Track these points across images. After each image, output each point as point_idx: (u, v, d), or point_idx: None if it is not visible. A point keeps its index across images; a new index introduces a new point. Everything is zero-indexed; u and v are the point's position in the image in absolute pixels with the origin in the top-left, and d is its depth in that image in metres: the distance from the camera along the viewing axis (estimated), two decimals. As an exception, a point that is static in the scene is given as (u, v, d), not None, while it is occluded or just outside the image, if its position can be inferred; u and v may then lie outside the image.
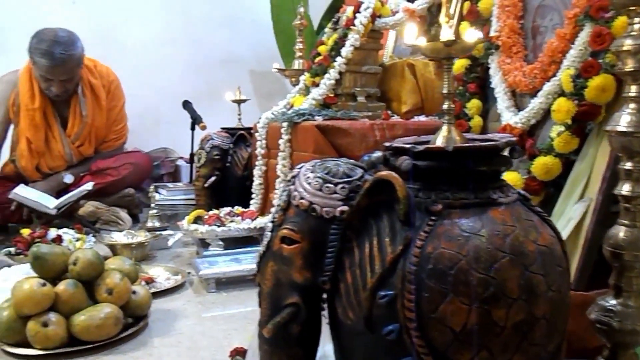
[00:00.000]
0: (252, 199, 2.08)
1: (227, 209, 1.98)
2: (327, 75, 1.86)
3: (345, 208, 0.70)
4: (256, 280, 0.79)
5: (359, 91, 1.90)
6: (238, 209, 1.98)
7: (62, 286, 1.21)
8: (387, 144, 0.77)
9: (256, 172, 2.06)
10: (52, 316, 1.18)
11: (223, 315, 1.43)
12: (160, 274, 1.68)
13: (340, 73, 1.87)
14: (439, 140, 0.76)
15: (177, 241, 2.07)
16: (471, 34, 0.77)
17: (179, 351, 1.21)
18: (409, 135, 1.71)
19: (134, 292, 1.31)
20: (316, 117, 1.73)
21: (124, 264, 1.38)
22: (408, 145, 0.72)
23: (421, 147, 0.71)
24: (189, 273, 1.72)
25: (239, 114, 2.50)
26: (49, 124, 2.42)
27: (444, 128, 0.76)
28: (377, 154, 0.75)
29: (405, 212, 0.66)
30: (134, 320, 1.31)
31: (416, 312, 0.64)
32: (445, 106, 0.76)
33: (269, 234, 0.76)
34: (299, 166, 0.77)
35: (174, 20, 3.36)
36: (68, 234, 1.91)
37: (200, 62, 3.39)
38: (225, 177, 2.30)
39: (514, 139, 0.78)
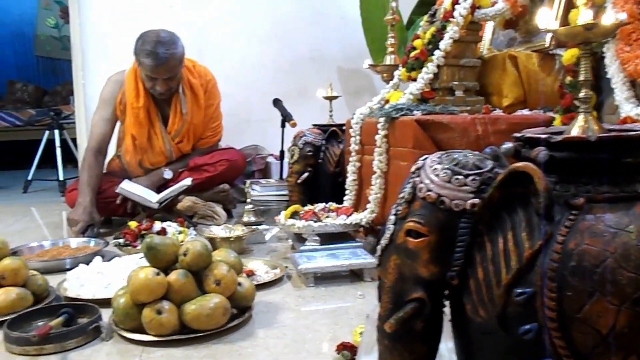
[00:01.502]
0: (345, 195, 2.08)
1: (322, 205, 1.99)
2: (424, 69, 1.83)
3: (477, 201, 0.67)
4: (377, 273, 0.78)
5: (457, 85, 1.85)
6: (332, 204, 1.98)
7: (173, 276, 1.26)
8: (518, 135, 0.73)
9: (350, 168, 2.05)
10: (165, 304, 1.23)
11: (324, 310, 1.43)
12: (259, 267, 1.71)
13: (438, 67, 1.82)
14: (575, 131, 0.71)
15: (272, 236, 2.11)
16: (609, 17, 0.71)
17: (285, 343, 1.22)
18: (513, 130, 1.65)
19: (239, 284, 1.34)
20: (414, 112, 1.70)
21: (229, 256, 1.41)
22: (544, 136, 0.68)
23: (559, 137, 0.67)
24: (286, 267, 1.74)
25: (331, 111, 2.51)
26: (151, 121, 2.52)
27: (581, 117, 0.72)
28: (507, 145, 0.72)
29: (546, 206, 0.62)
30: (238, 311, 1.34)
31: (557, 312, 0.61)
32: (582, 94, 0.72)
33: (392, 226, 0.74)
34: (422, 158, 0.75)
35: (264, 19, 3.42)
36: (171, 227, 1.99)
37: (289, 60, 3.44)
38: (318, 173, 2.32)
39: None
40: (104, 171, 2.58)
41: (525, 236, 0.64)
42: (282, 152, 2.93)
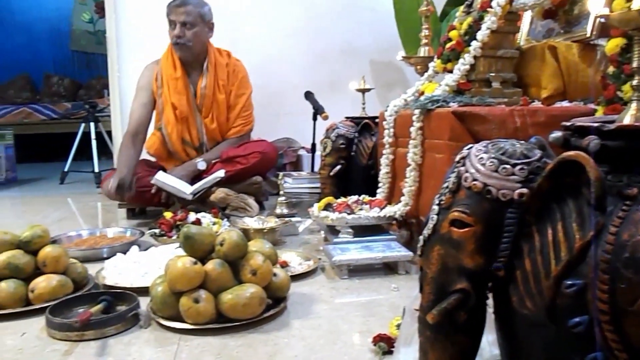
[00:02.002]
0: (378, 187, 2.07)
1: (355, 197, 1.98)
2: (461, 61, 1.80)
3: (525, 191, 0.66)
4: (418, 264, 0.77)
5: (493, 76, 1.81)
6: (365, 197, 1.98)
7: (210, 265, 1.27)
8: (567, 123, 0.71)
9: (383, 161, 2.04)
10: (202, 293, 1.24)
11: (359, 302, 1.42)
12: (293, 259, 1.72)
13: (474, 58, 1.79)
14: (628, 119, 0.69)
15: (305, 228, 2.11)
16: (665, 2, 0.69)
17: (320, 334, 1.22)
18: (552, 122, 1.61)
19: (274, 275, 1.35)
20: (450, 104, 1.68)
21: (264, 247, 1.42)
22: (595, 124, 0.66)
23: (611, 126, 0.65)
24: (320, 259, 1.74)
25: (363, 103, 2.50)
26: (187, 94, 2.63)
27: (634, 105, 0.69)
28: (556, 134, 0.70)
29: (599, 196, 0.60)
30: (273, 301, 1.35)
31: (610, 304, 0.59)
32: (635, 82, 0.69)
33: (435, 217, 0.73)
34: (467, 147, 0.73)
35: (296, 12, 3.42)
36: (205, 218, 2.01)
37: (321, 52, 3.43)
38: (350, 166, 2.31)
39: None
40: (145, 151, 2.70)
41: (576, 227, 0.62)
42: (313, 144, 2.93)
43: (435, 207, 0.74)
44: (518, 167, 0.67)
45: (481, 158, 0.69)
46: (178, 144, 2.64)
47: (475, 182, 0.68)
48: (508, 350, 0.73)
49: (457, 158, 0.73)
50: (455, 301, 0.71)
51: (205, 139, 2.67)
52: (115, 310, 1.34)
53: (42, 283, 1.42)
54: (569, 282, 0.61)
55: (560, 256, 0.62)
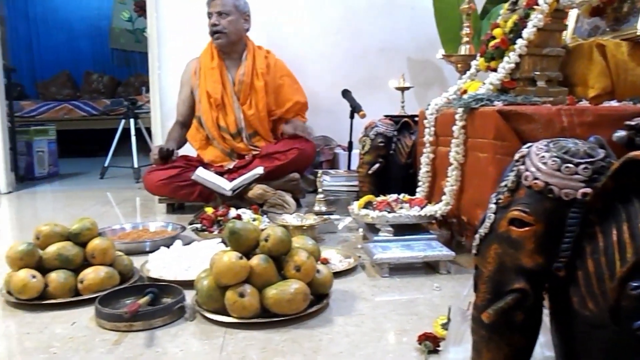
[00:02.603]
0: (417, 186, 2.05)
1: (394, 196, 1.98)
2: (506, 59, 1.77)
3: (589, 190, 0.65)
4: (474, 262, 0.76)
5: (539, 75, 1.78)
6: (405, 196, 1.97)
7: (255, 260, 1.29)
8: (631, 123, 0.69)
9: (423, 160, 2.03)
10: (247, 288, 1.26)
11: (401, 301, 1.42)
12: (333, 256, 1.72)
13: (519, 56, 1.77)
14: (696, 119, 0.67)
15: (344, 226, 2.11)
16: None
17: (364, 331, 1.22)
18: (600, 122, 1.58)
19: (317, 271, 1.35)
20: (495, 103, 1.65)
21: (307, 243, 1.43)
22: (663, 123, 0.64)
23: (681, 125, 0.63)
24: (359, 257, 1.74)
25: (402, 102, 2.49)
26: (223, 82, 2.78)
27: (703, 104, 0.67)
28: (620, 133, 0.69)
29: (668, 196, 0.59)
30: (316, 298, 1.36)
31: (678, 307, 0.58)
32: None
33: (492, 215, 0.73)
34: (526, 145, 0.72)
35: (335, 10, 3.42)
36: (245, 214, 2.03)
37: (359, 51, 3.43)
38: (389, 164, 2.30)
39: None
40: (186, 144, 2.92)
41: (643, 227, 0.61)
42: (350, 143, 2.93)
43: (493, 206, 0.73)
44: (582, 166, 0.66)
45: (542, 157, 0.68)
46: (214, 129, 2.76)
47: (536, 181, 0.68)
48: (565, 351, 0.72)
49: (517, 157, 0.72)
50: (513, 301, 0.70)
51: (243, 125, 2.77)
52: (161, 302, 1.36)
53: (91, 274, 1.45)
54: (635, 284, 0.60)
55: (626, 257, 0.61)
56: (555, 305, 0.72)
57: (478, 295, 0.75)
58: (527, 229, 0.68)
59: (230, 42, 2.76)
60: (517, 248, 0.69)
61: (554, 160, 0.67)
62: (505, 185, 0.72)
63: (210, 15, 2.75)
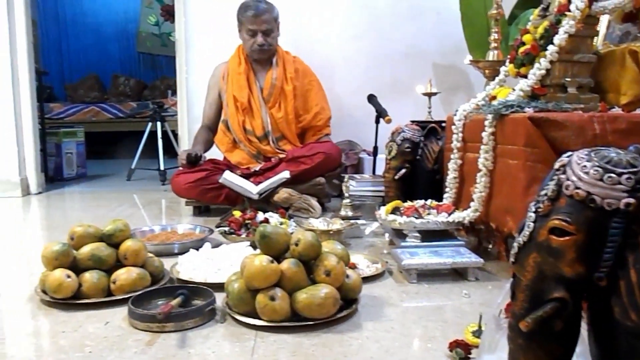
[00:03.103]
0: (445, 192, 2.05)
1: (421, 202, 1.98)
2: (536, 65, 1.76)
3: (632, 200, 0.64)
4: (511, 271, 0.76)
5: (569, 82, 1.77)
6: (432, 202, 1.97)
7: (286, 264, 1.30)
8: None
9: (451, 166, 2.02)
10: (278, 291, 1.27)
11: (430, 307, 1.42)
12: (360, 261, 1.73)
13: (550, 63, 1.76)
14: None
15: (371, 231, 2.12)
16: None
17: (394, 337, 1.23)
18: (634, 130, 1.56)
19: (347, 276, 1.36)
20: (525, 109, 1.65)
21: (336, 248, 1.43)
22: None
23: None
24: (387, 262, 1.75)
25: (429, 107, 2.49)
26: (250, 86, 2.83)
27: None
28: (661, 143, 0.68)
29: None
30: (345, 302, 1.36)
31: None
32: None
33: (532, 224, 0.73)
34: (566, 154, 0.72)
35: (361, 14, 3.43)
36: (273, 218, 2.05)
37: (383, 55, 3.43)
38: (415, 170, 2.30)
39: None
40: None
41: (689, 239, 0.60)
42: (375, 147, 2.93)
43: (532, 215, 0.73)
44: (625, 176, 0.65)
45: (584, 166, 0.68)
46: (240, 132, 2.81)
47: (577, 191, 0.67)
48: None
49: (557, 165, 0.72)
50: (552, 310, 0.70)
51: (270, 128, 2.81)
52: (192, 304, 1.38)
53: (123, 275, 1.48)
54: (680, 296, 0.59)
55: (670, 268, 0.61)
56: (595, 314, 0.71)
57: (516, 304, 0.75)
58: (567, 238, 0.68)
59: (271, 54, 2.86)
60: (557, 257, 0.69)
61: (596, 170, 0.67)
62: (545, 194, 0.72)
63: (254, 32, 2.76)
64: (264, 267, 1.27)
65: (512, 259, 0.76)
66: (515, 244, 0.75)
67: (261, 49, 2.78)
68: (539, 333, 0.72)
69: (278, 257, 1.33)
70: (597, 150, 0.70)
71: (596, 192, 0.66)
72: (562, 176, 0.70)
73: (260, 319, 1.27)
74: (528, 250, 0.73)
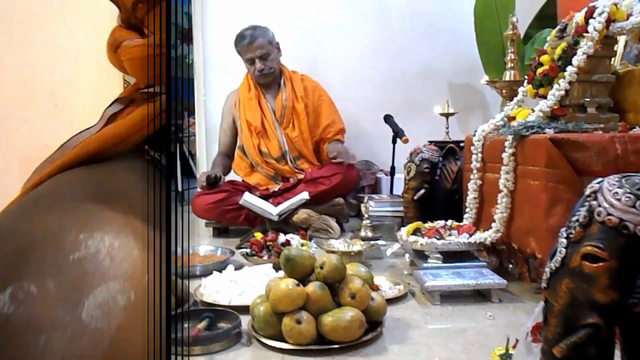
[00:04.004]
0: (465, 212, 2.05)
1: (441, 222, 1.98)
2: (555, 86, 1.77)
3: (665, 227, 0.65)
4: (543, 296, 0.77)
5: (589, 102, 1.78)
6: (453, 222, 1.97)
7: (311, 287, 1.31)
8: None
9: (471, 186, 2.03)
10: (304, 314, 1.28)
11: (454, 329, 1.42)
12: (383, 283, 1.73)
13: (569, 83, 1.77)
14: None
15: (392, 252, 2.12)
16: None
17: (420, 360, 1.23)
18: (655, 149, 1.55)
19: (372, 299, 1.37)
20: (546, 130, 1.66)
21: (360, 270, 1.44)
22: None
23: None
24: (409, 283, 1.75)
25: (447, 127, 2.50)
26: (262, 109, 2.91)
27: None
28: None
29: None
30: (370, 325, 1.36)
31: None
32: None
33: (564, 250, 0.74)
34: (596, 181, 0.73)
35: (376, 34, 3.46)
36: (294, 239, 2.06)
37: (399, 75, 3.45)
38: (434, 190, 2.31)
39: None
40: (231, 173, 3.04)
41: None
42: (392, 167, 2.94)
43: (564, 240, 0.74)
44: (657, 203, 0.66)
45: (616, 193, 0.69)
46: (256, 155, 2.86)
47: (610, 217, 0.68)
48: (640, 387, 0.72)
49: (588, 192, 0.73)
50: (586, 335, 0.70)
51: (287, 148, 2.85)
52: (217, 327, 1.39)
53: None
54: None
55: None
56: (630, 340, 0.72)
57: (548, 329, 0.76)
58: (601, 264, 0.69)
59: (275, 77, 2.91)
60: (590, 283, 0.70)
61: (627, 197, 0.68)
62: (577, 220, 0.73)
63: (251, 60, 2.85)
64: (290, 291, 1.28)
65: (544, 284, 0.77)
66: (547, 269, 0.76)
67: (262, 74, 2.85)
68: (572, 359, 0.72)
69: (303, 280, 1.34)
70: (628, 176, 0.71)
71: (629, 219, 0.67)
72: (594, 202, 0.71)
73: (286, 342, 1.28)
74: (560, 276, 0.74)
